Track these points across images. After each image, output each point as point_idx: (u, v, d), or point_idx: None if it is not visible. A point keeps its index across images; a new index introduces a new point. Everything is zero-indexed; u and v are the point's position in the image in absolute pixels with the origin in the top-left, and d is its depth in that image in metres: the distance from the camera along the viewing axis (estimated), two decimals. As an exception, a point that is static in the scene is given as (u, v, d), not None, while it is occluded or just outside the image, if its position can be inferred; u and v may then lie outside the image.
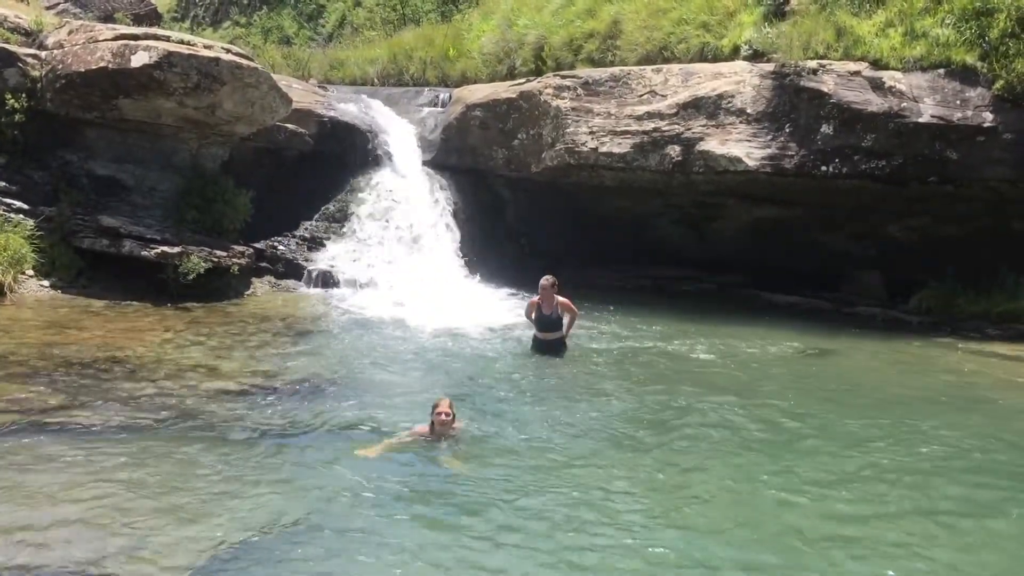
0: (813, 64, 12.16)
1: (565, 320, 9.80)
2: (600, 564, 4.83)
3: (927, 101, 11.63)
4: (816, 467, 6.43)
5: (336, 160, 14.37)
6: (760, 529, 5.32)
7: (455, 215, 14.50)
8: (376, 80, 18.13)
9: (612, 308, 12.44)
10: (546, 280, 9.75)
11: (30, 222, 11.11)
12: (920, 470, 6.43)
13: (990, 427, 7.60)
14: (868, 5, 12.73)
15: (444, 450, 6.43)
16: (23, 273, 10.80)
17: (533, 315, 9.87)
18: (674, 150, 12.83)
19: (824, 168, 12.12)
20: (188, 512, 5.22)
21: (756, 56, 12.94)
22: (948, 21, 11.98)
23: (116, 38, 11.47)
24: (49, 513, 5.10)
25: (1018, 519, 5.64)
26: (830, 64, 12.13)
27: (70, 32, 12.00)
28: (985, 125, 11.45)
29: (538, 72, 15.02)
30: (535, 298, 9.85)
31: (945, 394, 8.86)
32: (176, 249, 11.29)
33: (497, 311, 11.97)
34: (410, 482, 5.86)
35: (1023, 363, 10.18)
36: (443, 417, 6.53)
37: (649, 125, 13.00)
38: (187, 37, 12.07)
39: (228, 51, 11.99)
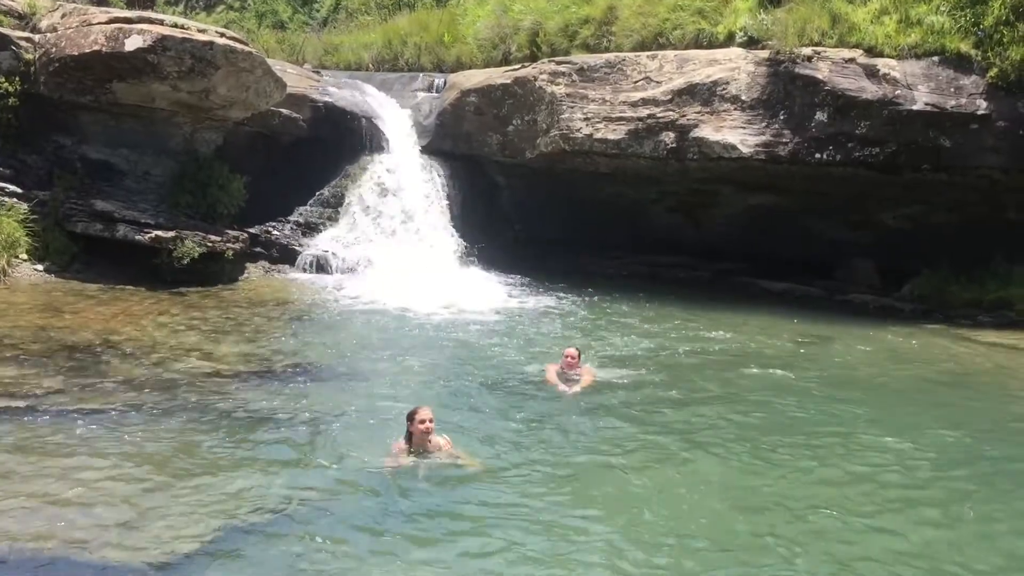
0: (808, 51, 12.16)
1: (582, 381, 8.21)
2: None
3: (921, 88, 11.66)
4: (813, 457, 6.46)
5: (331, 145, 14.32)
6: (768, 530, 5.23)
7: (450, 201, 14.47)
8: (371, 65, 18.03)
9: (603, 296, 12.45)
10: (572, 351, 8.34)
11: (24, 206, 11.10)
12: (914, 458, 6.46)
13: (982, 414, 7.67)
14: (863, -8, 12.73)
15: (429, 464, 5.89)
16: (17, 257, 10.81)
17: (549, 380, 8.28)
18: (668, 136, 12.82)
19: (818, 155, 12.14)
20: (180, 495, 5.26)
21: (751, 43, 12.92)
22: (943, 9, 12.01)
23: (110, 21, 11.42)
24: (41, 497, 5.12)
25: (1011, 506, 5.68)
26: (825, 51, 12.13)
27: (63, 15, 11.94)
28: (979, 113, 11.50)
29: (533, 58, 14.98)
30: (555, 364, 8.37)
31: (937, 381, 8.92)
32: (170, 234, 11.28)
33: (491, 297, 11.98)
34: (396, 481, 5.74)
35: (1015, 350, 10.25)
36: (425, 425, 5.84)
37: (644, 111, 12.99)
38: (181, 21, 12.04)
39: (222, 35, 11.94)
